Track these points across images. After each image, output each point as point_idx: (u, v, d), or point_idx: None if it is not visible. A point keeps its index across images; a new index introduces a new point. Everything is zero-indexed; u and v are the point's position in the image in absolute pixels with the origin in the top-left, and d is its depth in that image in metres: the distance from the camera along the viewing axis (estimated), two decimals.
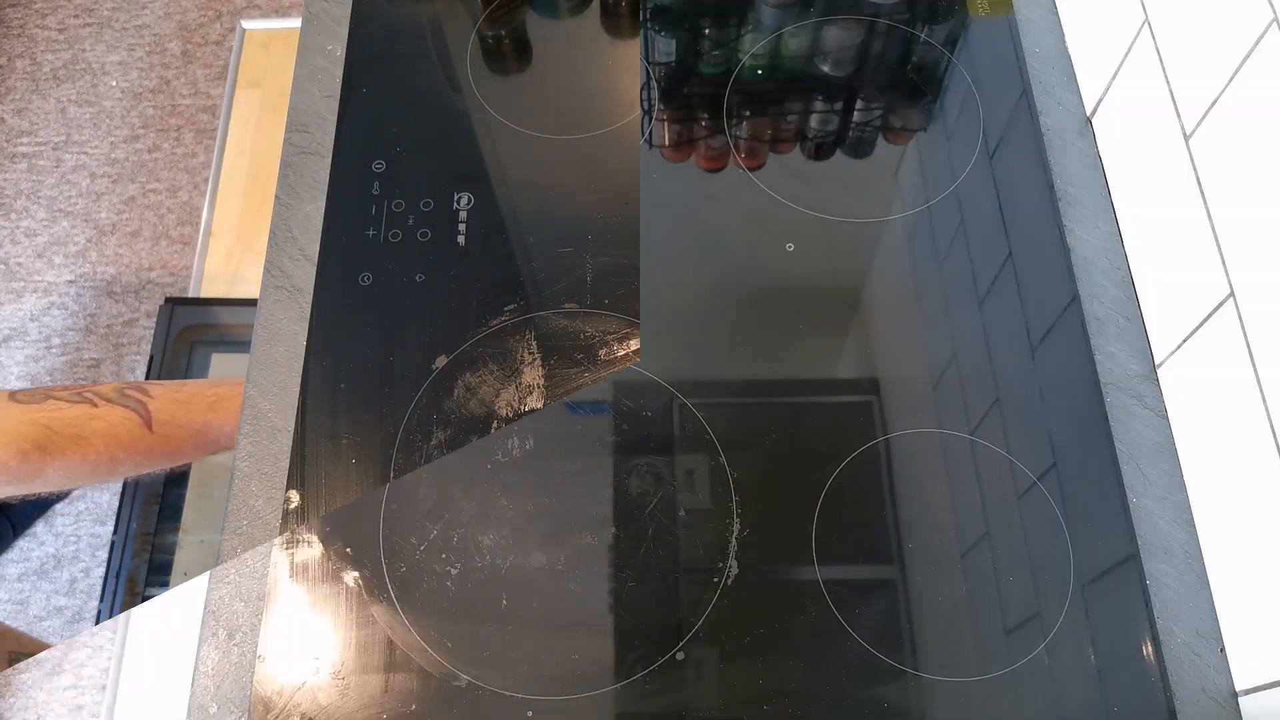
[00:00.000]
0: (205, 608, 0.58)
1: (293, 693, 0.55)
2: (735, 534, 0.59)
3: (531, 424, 0.62)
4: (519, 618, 0.57)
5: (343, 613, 0.57)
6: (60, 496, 1.48)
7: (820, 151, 0.73)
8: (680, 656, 0.56)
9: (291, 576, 0.58)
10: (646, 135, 0.73)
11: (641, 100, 0.75)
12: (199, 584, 0.59)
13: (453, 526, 0.59)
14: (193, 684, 0.56)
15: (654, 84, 0.76)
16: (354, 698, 0.55)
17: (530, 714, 0.54)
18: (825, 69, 0.77)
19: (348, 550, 0.59)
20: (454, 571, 0.58)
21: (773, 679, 0.55)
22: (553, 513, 0.60)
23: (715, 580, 0.57)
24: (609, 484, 0.61)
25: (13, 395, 0.68)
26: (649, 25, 0.78)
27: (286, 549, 0.59)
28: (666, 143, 0.74)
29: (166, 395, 0.72)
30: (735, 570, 0.58)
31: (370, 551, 0.59)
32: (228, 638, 0.57)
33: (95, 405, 0.69)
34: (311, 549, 0.59)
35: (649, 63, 0.77)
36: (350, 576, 0.58)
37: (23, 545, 1.45)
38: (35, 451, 0.65)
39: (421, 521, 0.60)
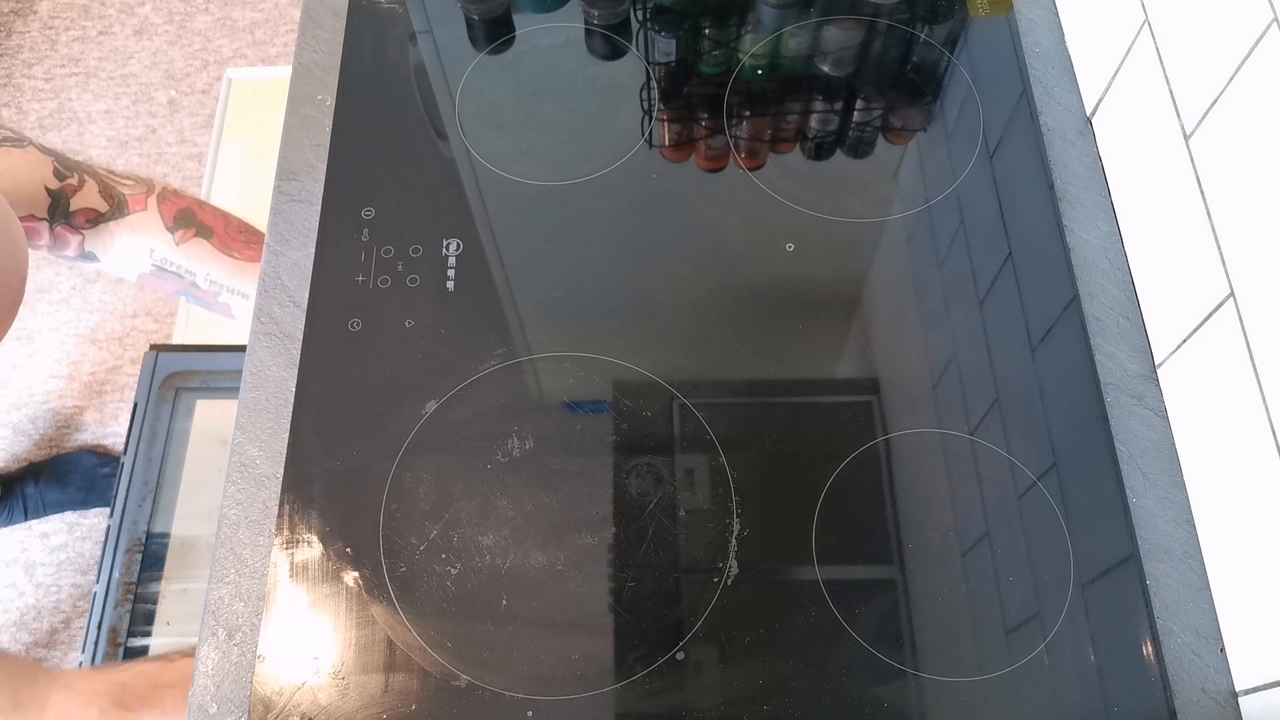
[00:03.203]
0: (205, 608, 0.58)
1: (293, 693, 0.55)
2: (735, 534, 0.59)
3: (531, 424, 0.62)
4: (519, 618, 0.57)
5: (343, 613, 0.57)
6: (84, 502, 1.47)
7: (820, 151, 0.73)
8: (680, 656, 0.56)
9: (291, 576, 0.58)
10: (646, 135, 0.73)
11: (641, 100, 0.75)
12: (199, 586, 0.59)
13: (453, 526, 0.59)
14: (193, 684, 0.56)
15: (654, 84, 0.76)
16: (354, 698, 0.55)
17: (530, 714, 0.54)
18: (825, 69, 0.77)
19: (348, 550, 0.59)
20: (454, 571, 0.58)
21: (773, 679, 0.55)
22: (553, 513, 0.60)
23: (715, 580, 0.57)
24: (609, 484, 0.61)
25: (96, 668, 0.74)
26: (649, 25, 0.78)
27: (286, 549, 0.59)
28: (666, 143, 0.74)
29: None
30: (735, 570, 0.58)
31: (370, 551, 0.59)
32: (228, 638, 0.57)
33: (171, 660, 0.74)
34: (311, 549, 0.59)
35: (649, 63, 0.77)
36: (350, 576, 0.58)
37: (3, 596, 1.44)
38: (114, 709, 0.70)
39: (421, 521, 0.60)
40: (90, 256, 0.78)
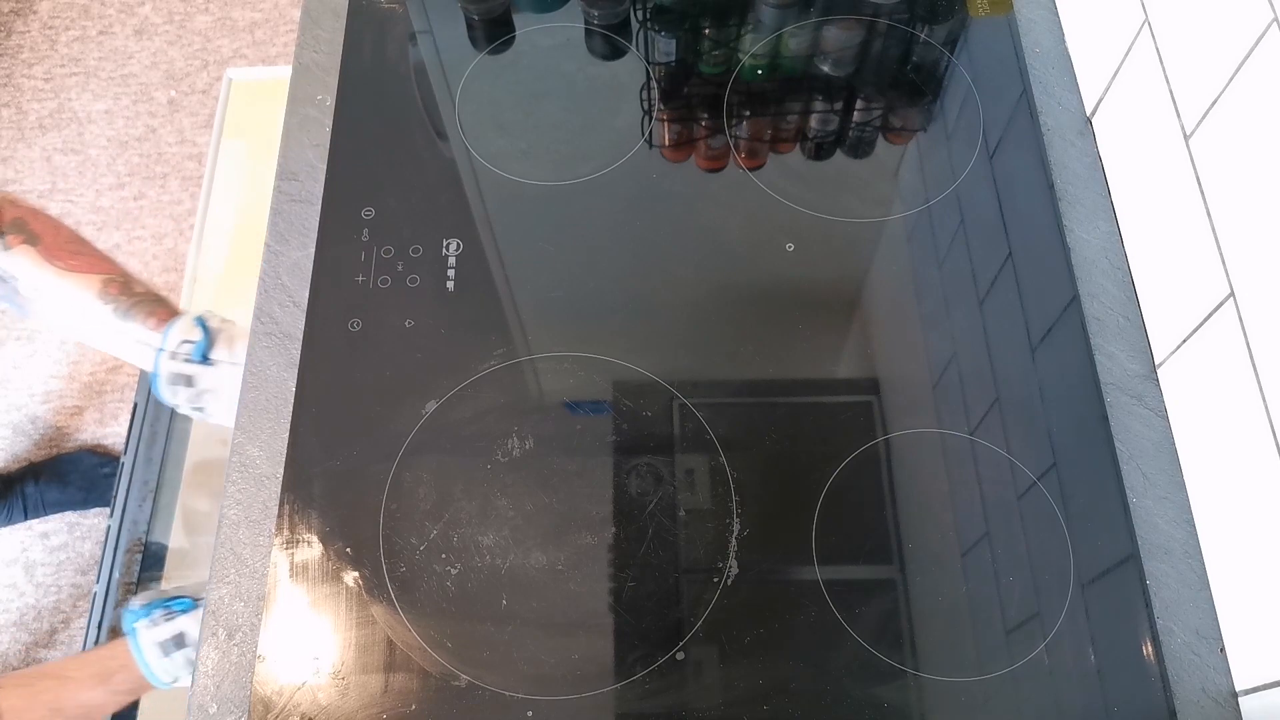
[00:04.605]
0: (205, 608, 0.58)
1: (293, 693, 0.55)
2: (735, 534, 0.59)
3: (531, 424, 0.62)
4: (519, 618, 0.57)
5: (343, 613, 0.57)
6: (84, 502, 1.47)
7: (820, 151, 0.73)
8: (680, 656, 0.56)
9: (291, 576, 0.58)
10: (646, 135, 0.73)
11: (641, 100, 0.75)
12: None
13: (453, 526, 0.59)
14: (193, 684, 0.56)
15: (654, 84, 0.76)
16: (354, 698, 0.55)
17: (530, 714, 0.54)
18: (825, 69, 0.77)
19: (348, 550, 0.59)
20: (454, 571, 0.58)
21: (773, 679, 0.55)
22: (553, 513, 0.60)
23: (715, 580, 0.57)
24: (609, 484, 0.61)
25: None
26: (649, 25, 0.78)
27: (286, 549, 0.59)
28: (666, 143, 0.74)
29: (11, 685, 0.75)
30: (735, 570, 0.58)
31: (370, 551, 0.59)
32: (228, 638, 0.57)
33: None
34: (311, 549, 0.59)
35: (649, 63, 0.77)
36: (350, 576, 0.58)
37: (3, 596, 1.44)
38: None
39: (421, 521, 0.60)
40: None
